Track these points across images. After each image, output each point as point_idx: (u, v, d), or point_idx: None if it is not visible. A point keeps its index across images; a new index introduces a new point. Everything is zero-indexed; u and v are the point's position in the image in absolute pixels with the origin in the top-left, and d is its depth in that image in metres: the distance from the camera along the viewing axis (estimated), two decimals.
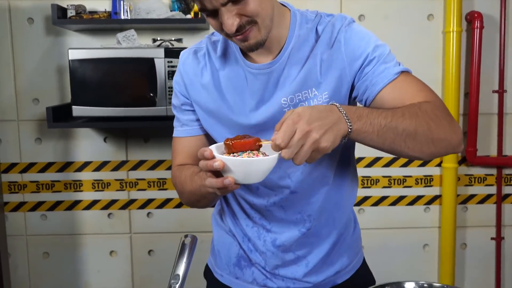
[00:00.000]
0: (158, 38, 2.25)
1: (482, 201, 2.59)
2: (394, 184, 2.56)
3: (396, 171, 2.55)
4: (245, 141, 0.94)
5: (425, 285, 1.08)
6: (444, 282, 2.50)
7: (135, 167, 2.51)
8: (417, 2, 2.45)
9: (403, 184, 2.56)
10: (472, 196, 2.59)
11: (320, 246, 1.26)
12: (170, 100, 2.12)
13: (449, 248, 2.51)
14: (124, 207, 2.53)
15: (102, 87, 2.18)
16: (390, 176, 2.55)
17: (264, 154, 0.96)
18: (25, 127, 2.48)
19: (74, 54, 2.15)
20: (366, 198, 2.57)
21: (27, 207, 2.53)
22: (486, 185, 2.58)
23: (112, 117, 2.19)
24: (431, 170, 2.55)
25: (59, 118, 2.25)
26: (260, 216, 1.24)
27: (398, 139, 0.99)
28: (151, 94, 2.15)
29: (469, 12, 2.43)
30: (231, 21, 1.00)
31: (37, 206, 2.53)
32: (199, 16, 2.18)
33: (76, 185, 2.52)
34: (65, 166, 2.51)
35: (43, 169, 2.51)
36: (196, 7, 1.10)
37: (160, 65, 2.13)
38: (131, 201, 2.53)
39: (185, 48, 1.33)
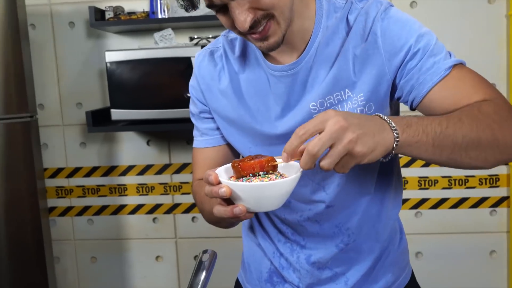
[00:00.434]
0: (195, 36, 2.17)
1: None
2: (455, 185, 2.34)
3: (457, 171, 2.32)
4: (255, 162, 0.80)
5: None
6: None
7: (179, 170, 2.44)
8: None
9: (465, 184, 2.34)
10: None
11: (360, 261, 1.10)
12: None
13: None
14: (169, 211, 2.47)
15: (140, 89, 2.12)
16: (450, 177, 2.34)
17: (282, 175, 0.82)
18: (70, 131, 2.47)
19: (111, 56, 2.10)
20: (424, 201, 2.37)
21: (74, 212, 2.52)
22: None
23: (152, 119, 2.13)
24: (496, 169, 2.31)
25: (100, 122, 2.22)
26: (293, 231, 1.10)
27: (458, 148, 0.82)
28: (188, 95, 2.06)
29: None
30: (243, 16, 0.85)
31: (83, 210, 2.52)
32: None
33: (121, 189, 2.48)
34: (110, 170, 2.48)
35: (89, 174, 2.49)
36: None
37: None
38: (176, 205, 2.46)
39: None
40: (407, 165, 2.34)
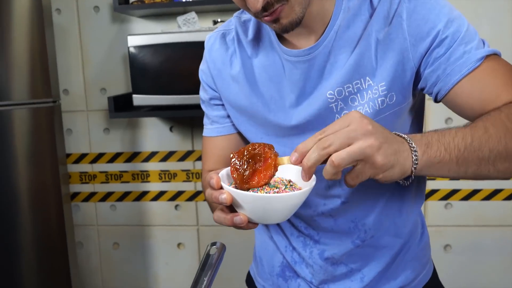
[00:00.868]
0: (219, 20, 2.11)
1: None
2: None
3: None
4: (253, 177, 0.73)
5: None
6: None
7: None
8: None
9: None
10: None
11: (378, 257, 1.04)
12: None
13: None
14: (191, 198, 2.44)
15: (162, 74, 2.09)
16: None
17: (291, 184, 0.74)
18: (94, 117, 2.46)
19: (133, 41, 2.07)
20: (454, 192, 2.27)
21: (98, 198, 2.52)
22: None
23: (175, 105, 2.10)
24: None
25: (123, 107, 2.20)
26: (306, 226, 1.05)
27: (485, 163, 0.75)
28: None
29: None
30: None
31: (106, 196, 2.52)
32: None
33: (144, 176, 2.47)
34: (133, 156, 2.46)
35: (112, 160, 2.48)
36: None
37: None
38: (198, 193, 2.44)
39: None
40: None
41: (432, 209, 2.28)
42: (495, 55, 0.84)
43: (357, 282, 1.05)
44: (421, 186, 1.07)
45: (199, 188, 2.43)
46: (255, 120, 0.99)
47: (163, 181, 2.45)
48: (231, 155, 0.75)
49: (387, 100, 0.89)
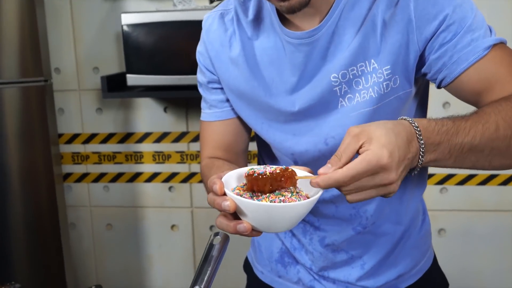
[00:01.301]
0: None
1: None
2: None
3: None
4: (271, 177, 0.69)
5: None
6: None
7: (196, 138, 2.38)
8: None
9: None
10: None
11: (379, 244, 1.03)
12: None
13: None
14: (185, 180, 2.42)
15: (157, 54, 2.04)
16: None
17: (297, 192, 0.71)
18: (86, 97, 2.41)
19: (127, 19, 2.02)
20: (450, 176, 2.26)
21: (90, 178, 2.49)
22: None
23: (169, 85, 2.06)
24: None
25: (115, 87, 2.15)
26: None
27: (482, 161, 0.76)
28: None
29: None
30: None
31: (99, 177, 2.48)
32: None
33: (137, 157, 2.43)
34: (126, 137, 2.42)
35: (105, 140, 2.44)
36: None
37: None
38: (192, 174, 2.41)
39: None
40: None
41: (427, 193, 2.26)
42: (501, 44, 0.83)
43: (357, 269, 1.03)
44: (423, 173, 1.05)
45: (193, 170, 2.40)
46: (255, 105, 0.96)
47: (157, 163, 2.42)
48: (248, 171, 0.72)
49: (391, 83, 0.87)
